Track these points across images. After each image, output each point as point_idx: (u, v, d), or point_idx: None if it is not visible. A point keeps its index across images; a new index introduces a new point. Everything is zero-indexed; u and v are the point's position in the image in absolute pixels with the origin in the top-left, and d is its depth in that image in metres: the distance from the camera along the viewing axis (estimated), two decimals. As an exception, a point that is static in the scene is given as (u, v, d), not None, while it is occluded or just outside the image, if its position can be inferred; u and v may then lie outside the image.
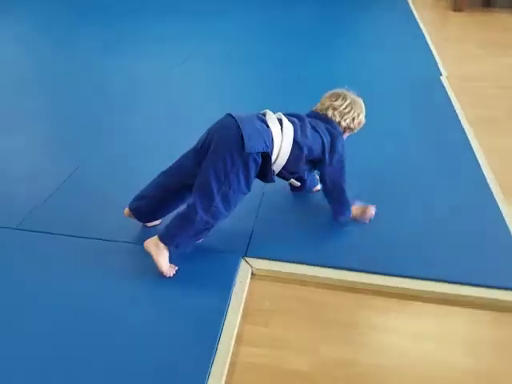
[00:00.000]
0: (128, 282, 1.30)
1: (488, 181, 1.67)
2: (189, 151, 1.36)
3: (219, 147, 1.25)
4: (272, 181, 1.36)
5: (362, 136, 1.52)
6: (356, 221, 1.48)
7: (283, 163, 1.33)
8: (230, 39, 3.08)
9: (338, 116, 1.41)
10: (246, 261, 1.37)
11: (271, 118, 1.32)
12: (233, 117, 1.28)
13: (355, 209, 1.48)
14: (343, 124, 1.42)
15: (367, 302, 1.27)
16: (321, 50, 2.73)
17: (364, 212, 1.48)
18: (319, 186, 1.59)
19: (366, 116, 1.47)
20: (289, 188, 1.61)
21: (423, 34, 2.96)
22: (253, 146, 1.24)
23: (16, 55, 3.03)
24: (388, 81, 2.35)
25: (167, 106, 2.27)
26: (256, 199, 1.59)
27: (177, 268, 1.32)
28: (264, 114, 1.35)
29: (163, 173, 1.41)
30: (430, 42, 2.82)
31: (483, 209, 1.54)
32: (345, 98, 1.43)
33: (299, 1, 3.79)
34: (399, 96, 2.21)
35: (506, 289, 1.25)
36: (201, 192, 1.27)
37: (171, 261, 1.31)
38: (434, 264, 1.33)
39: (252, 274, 1.35)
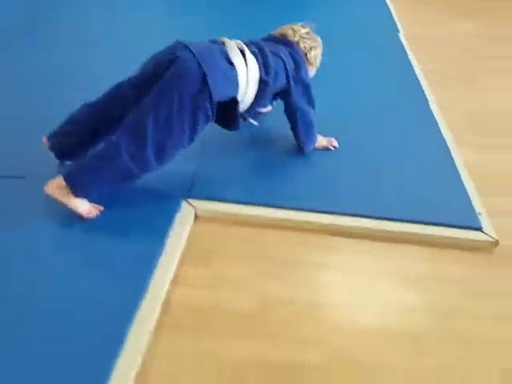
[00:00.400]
0: (52, 224, 1.16)
1: (438, 122, 1.65)
2: (127, 79, 1.18)
3: (168, 84, 1.06)
4: (236, 129, 1.23)
5: (321, 82, 1.44)
6: (318, 148, 1.44)
7: (248, 103, 1.21)
8: None
9: (298, 37, 1.33)
10: (189, 202, 1.27)
11: (233, 51, 1.15)
12: (190, 50, 1.08)
13: (320, 139, 1.44)
14: (302, 47, 1.33)
15: (311, 241, 1.21)
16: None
17: (329, 141, 1.46)
18: (270, 107, 1.54)
19: (324, 60, 1.42)
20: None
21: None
22: (221, 94, 1.08)
23: None
24: (347, 35, 2.30)
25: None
26: (200, 138, 1.46)
27: (101, 208, 1.17)
28: (223, 43, 1.18)
29: (89, 105, 1.22)
30: (389, 4, 2.79)
31: (431, 147, 1.52)
32: (304, 26, 1.37)
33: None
34: (358, 48, 2.17)
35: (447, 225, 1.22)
36: (131, 132, 1.06)
37: (101, 200, 1.18)
38: (379, 202, 1.28)
39: (195, 215, 1.25)
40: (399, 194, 1.32)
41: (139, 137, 1.06)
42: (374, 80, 1.91)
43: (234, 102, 1.14)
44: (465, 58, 2.24)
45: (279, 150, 1.46)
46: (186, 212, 1.24)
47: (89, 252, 1.12)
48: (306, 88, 1.34)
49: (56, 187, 1.09)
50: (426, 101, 1.77)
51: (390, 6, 2.75)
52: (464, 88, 1.97)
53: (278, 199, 1.28)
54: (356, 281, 1.12)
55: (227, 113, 1.16)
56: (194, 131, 1.11)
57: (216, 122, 1.20)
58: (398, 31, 2.41)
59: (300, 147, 1.42)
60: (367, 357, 0.95)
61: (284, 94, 1.32)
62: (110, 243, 1.13)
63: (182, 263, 1.12)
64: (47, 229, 1.16)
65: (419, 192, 1.33)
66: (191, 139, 1.14)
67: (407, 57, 2.12)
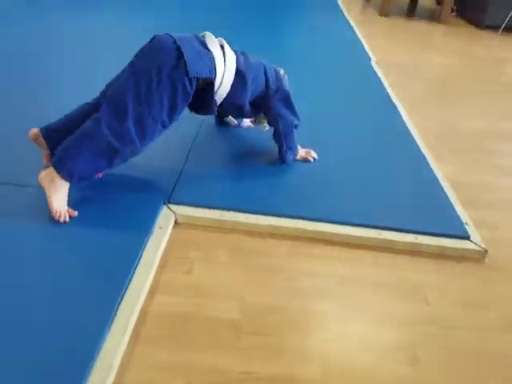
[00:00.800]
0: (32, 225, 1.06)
1: (412, 133, 1.71)
2: (121, 73, 1.15)
3: (147, 60, 1.08)
4: (212, 112, 1.22)
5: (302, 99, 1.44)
6: (298, 160, 1.43)
7: (225, 94, 1.19)
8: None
9: None
10: (169, 207, 1.18)
11: (212, 42, 1.18)
12: (170, 35, 1.12)
13: (299, 150, 1.42)
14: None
15: (302, 250, 1.15)
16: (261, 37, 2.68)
17: (308, 152, 1.44)
18: (250, 123, 1.53)
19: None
20: (219, 132, 1.52)
21: (354, 30, 3.06)
22: (198, 70, 1.09)
23: None
24: (327, 66, 2.37)
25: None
26: (185, 144, 1.44)
27: (75, 214, 1.09)
28: (203, 36, 1.20)
29: (87, 103, 1.19)
30: (360, 36, 2.92)
31: (412, 162, 1.53)
32: None
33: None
34: (336, 75, 2.24)
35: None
36: (111, 105, 1.06)
37: (80, 202, 1.10)
38: (365, 211, 1.25)
39: (176, 221, 1.17)
40: (386, 204, 1.29)
41: (120, 110, 1.05)
42: (351, 101, 1.95)
43: (210, 85, 1.15)
44: (435, 84, 2.35)
45: (262, 160, 1.43)
46: (166, 217, 1.15)
47: (65, 255, 1.01)
48: (286, 95, 1.34)
49: (48, 177, 1.04)
50: (402, 120, 1.81)
51: (360, 37, 2.89)
52: (437, 110, 2.03)
53: (261, 206, 1.23)
54: (346, 290, 1.05)
55: (204, 98, 1.17)
56: (173, 107, 1.11)
57: (192, 108, 1.22)
58: (369, 59, 2.50)
59: (281, 156, 1.39)
60: (359, 368, 0.87)
61: (264, 100, 1.31)
62: (86, 246, 1.04)
63: (160, 270, 1.03)
64: (26, 229, 1.06)
65: (405, 203, 1.31)
66: (171, 117, 1.13)
67: (380, 81, 2.19)
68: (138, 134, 1.07)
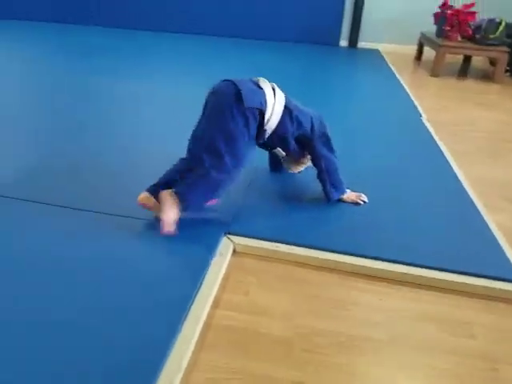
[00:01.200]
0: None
1: (461, 180, 1.78)
2: (199, 122, 1.38)
3: (219, 105, 1.30)
4: (264, 140, 1.41)
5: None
6: (347, 202, 1.54)
7: (274, 126, 1.37)
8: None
9: None
10: (229, 238, 1.33)
11: (264, 82, 1.40)
12: (227, 79, 1.35)
13: (349, 193, 1.55)
14: None
15: (350, 283, 1.23)
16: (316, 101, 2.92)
17: (359, 196, 1.56)
18: (300, 168, 1.68)
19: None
20: (272, 174, 1.72)
21: (404, 88, 3.21)
22: (251, 101, 1.30)
23: (32, 74, 3.21)
24: (379, 122, 2.52)
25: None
26: (245, 179, 1.62)
27: (175, 231, 1.30)
28: (258, 80, 1.42)
29: (183, 158, 1.42)
30: (410, 94, 3.05)
31: (458, 201, 1.61)
32: None
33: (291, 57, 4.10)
34: (389, 132, 2.37)
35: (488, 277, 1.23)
36: (209, 153, 1.29)
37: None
38: (417, 250, 1.32)
39: (234, 250, 1.30)
40: (434, 243, 1.36)
41: (216, 154, 1.28)
42: (401, 150, 2.07)
43: (261, 114, 1.34)
44: (488, 139, 2.39)
45: (311, 197, 1.57)
46: (226, 246, 1.30)
47: (139, 272, 1.18)
48: (328, 139, 1.51)
49: (169, 194, 1.29)
50: (452, 170, 1.88)
51: (411, 95, 3.03)
52: (489, 163, 2.07)
53: (309, 239, 1.34)
54: (392, 321, 1.11)
55: (257, 127, 1.36)
56: (250, 131, 1.32)
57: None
58: (420, 116, 2.62)
59: (326, 193, 1.52)
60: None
61: (309, 142, 1.48)
62: (156, 266, 1.20)
63: (221, 290, 1.16)
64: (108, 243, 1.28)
65: (454, 243, 1.36)
66: (250, 138, 1.34)
67: (431, 135, 2.29)
68: (234, 163, 1.30)
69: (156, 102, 2.62)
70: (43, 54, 3.79)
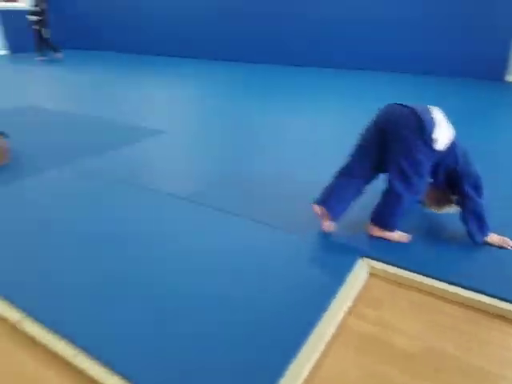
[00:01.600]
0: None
1: None
2: (361, 139, 1.58)
3: (402, 133, 1.46)
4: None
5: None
6: (492, 245, 1.53)
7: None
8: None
9: None
10: (365, 260, 1.49)
11: (438, 113, 1.50)
12: (405, 106, 1.49)
13: (493, 237, 1.53)
14: None
15: (471, 317, 1.27)
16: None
17: (505, 241, 1.53)
18: (443, 211, 1.70)
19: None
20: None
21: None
22: (431, 131, 1.43)
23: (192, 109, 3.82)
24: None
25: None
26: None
27: (409, 236, 1.58)
28: (432, 109, 1.51)
29: (344, 172, 1.61)
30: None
31: None
32: None
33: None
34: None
35: None
36: (399, 178, 1.48)
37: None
38: None
39: (368, 272, 1.46)
40: None
41: (405, 177, 1.48)
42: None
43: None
44: None
45: (459, 233, 1.60)
46: (361, 268, 1.46)
47: (286, 277, 1.42)
48: (476, 179, 1.50)
49: (375, 229, 1.59)
50: None
51: None
52: None
53: (435, 271, 1.41)
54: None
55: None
56: (427, 157, 1.47)
57: None
58: None
59: (470, 236, 1.53)
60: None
61: (456, 176, 1.51)
62: (303, 273, 1.43)
63: (355, 303, 1.31)
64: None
65: None
66: (428, 160, 1.48)
67: None
68: (420, 183, 1.49)
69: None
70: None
